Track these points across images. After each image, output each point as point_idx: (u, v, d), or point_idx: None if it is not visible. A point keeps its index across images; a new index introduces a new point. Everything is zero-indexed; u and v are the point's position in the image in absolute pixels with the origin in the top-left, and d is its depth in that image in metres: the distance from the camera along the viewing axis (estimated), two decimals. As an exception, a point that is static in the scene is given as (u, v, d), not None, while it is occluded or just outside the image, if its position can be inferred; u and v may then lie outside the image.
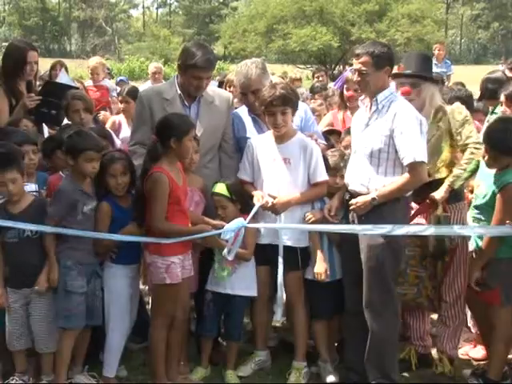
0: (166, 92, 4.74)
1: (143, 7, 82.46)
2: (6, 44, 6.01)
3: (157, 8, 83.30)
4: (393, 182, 4.19)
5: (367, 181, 4.29)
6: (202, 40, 67.45)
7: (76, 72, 7.78)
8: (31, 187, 4.48)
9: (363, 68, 4.21)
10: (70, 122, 5.27)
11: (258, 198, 4.51)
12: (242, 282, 4.64)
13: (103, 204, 4.37)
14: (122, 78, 13.04)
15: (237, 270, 4.61)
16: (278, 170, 4.60)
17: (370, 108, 4.34)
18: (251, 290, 4.67)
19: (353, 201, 4.31)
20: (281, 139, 4.61)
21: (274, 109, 4.48)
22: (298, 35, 38.79)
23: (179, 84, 4.72)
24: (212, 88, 5.10)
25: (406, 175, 4.16)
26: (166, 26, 68.46)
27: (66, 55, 53.44)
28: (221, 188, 4.56)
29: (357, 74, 4.28)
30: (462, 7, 70.40)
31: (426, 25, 40.49)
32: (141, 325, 4.60)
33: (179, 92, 4.69)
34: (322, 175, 4.62)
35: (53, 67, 7.98)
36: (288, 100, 4.49)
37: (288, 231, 4.57)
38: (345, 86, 6.05)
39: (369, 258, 4.24)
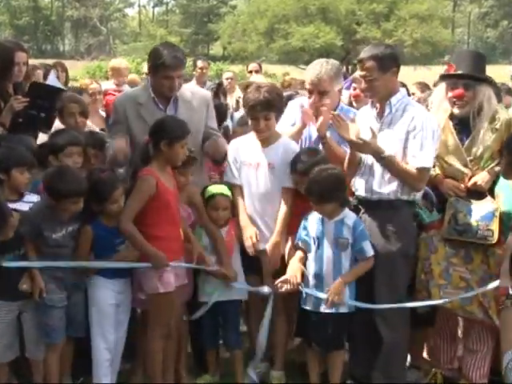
0: (139, 96, 4.75)
1: (139, 6, 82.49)
2: None
3: (153, 7, 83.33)
4: (406, 166, 4.18)
5: (378, 186, 4.29)
6: (200, 40, 68.24)
7: (71, 74, 7.72)
8: (32, 198, 4.35)
9: (368, 74, 4.19)
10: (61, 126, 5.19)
11: (248, 237, 4.57)
12: (231, 287, 4.59)
13: (86, 229, 4.28)
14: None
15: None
16: (262, 175, 4.59)
17: (382, 112, 4.30)
18: (241, 293, 4.66)
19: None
20: (265, 142, 4.60)
21: (256, 113, 4.50)
22: (300, 33, 38.87)
23: (152, 87, 4.71)
24: (189, 87, 5.14)
25: (414, 172, 4.16)
26: (163, 26, 68.59)
27: (59, 56, 53.37)
28: (221, 188, 4.57)
29: (363, 80, 4.27)
30: (470, 5, 70.40)
31: (434, 27, 40.59)
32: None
33: (152, 95, 4.68)
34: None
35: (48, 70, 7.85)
36: (271, 105, 4.49)
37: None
38: (353, 85, 6.03)
39: (381, 266, 4.25)
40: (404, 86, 6.82)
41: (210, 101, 5.06)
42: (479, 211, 4.30)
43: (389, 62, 4.20)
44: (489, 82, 4.45)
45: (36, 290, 4.14)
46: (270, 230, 4.60)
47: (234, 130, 5.75)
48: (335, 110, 4.62)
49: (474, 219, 4.27)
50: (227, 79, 9.64)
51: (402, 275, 4.33)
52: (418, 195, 4.32)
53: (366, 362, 4.36)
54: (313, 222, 4.36)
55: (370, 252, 4.24)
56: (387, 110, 4.28)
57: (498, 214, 4.27)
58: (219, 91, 8.68)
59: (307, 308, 4.35)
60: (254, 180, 4.61)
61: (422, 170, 4.16)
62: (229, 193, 4.55)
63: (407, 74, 16.70)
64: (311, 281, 4.34)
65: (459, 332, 4.68)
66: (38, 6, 72.16)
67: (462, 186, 4.35)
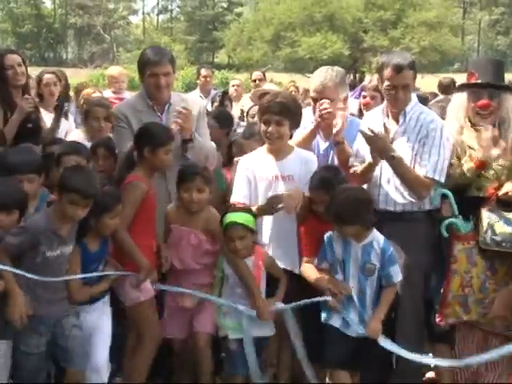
0: (138, 104, 4.77)
1: (143, 13, 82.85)
2: None
3: (157, 14, 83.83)
4: (414, 171, 4.17)
5: (401, 197, 4.26)
6: (205, 48, 68.56)
7: (72, 82, 7.71)
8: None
9: (408, 82, 4.19)
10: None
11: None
12: (258, 323, 4.28)
13: (77, 250, 4.04)
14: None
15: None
16: (280, 189, 4.34)
17: (397, 122, 4.30)
18: (267, 329, 4.35)
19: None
20: (278, 155, 4.40)
21: (269, 117, 4.30)
22: (307, 43, 38.95)
23: (146, 93, 4.73)
24: (183, 96, 5.15)
25: (422, 178, 4.15)
26: (167, 33, 69.11)
27: (61, 64, 53.70)
28: (235, 216, 4.15)
29: (400, 89, 4.18)
30: (480, 12, 70.20)
31: (443, 34, 40.67)
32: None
33: (150, 103, 4.71)
34: None
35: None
36: (286, 110, 4.29)
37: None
38: (362, 94, 6.03)
39: (405, 279, 4.15)
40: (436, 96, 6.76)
41: (202, 108, 4.99)
42: None
43: (416, 71, 4.26)
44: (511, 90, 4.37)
45: (15, 311, 3.71)
46: (290, 247, 4.41)
47: (241, 143, 5.49)
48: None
49: (510, 229, 4.14)
50: (233, 86, 9.57)
51: (421, 287, 4.33)
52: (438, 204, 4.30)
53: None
54: (338, 243, 4.13)
55: (398, 277, 4.06)
56: (401, 120, 4.28)
57: None
58: (225, 99, 8.56)
59: (335, 325, 4.14)
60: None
61: (429, 179, 4.16)
62: (244, 220, 4.13)
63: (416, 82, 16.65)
64: (339, 306, 4.15)
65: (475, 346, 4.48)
66: (41, 13, 72.45)
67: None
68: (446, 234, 4.22)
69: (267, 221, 4.40)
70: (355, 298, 4.06)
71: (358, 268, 4.05)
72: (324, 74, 4.64)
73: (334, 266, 4.14)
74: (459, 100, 4.42)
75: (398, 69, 4.13)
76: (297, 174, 4.37)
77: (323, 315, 4.19)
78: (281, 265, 4.38)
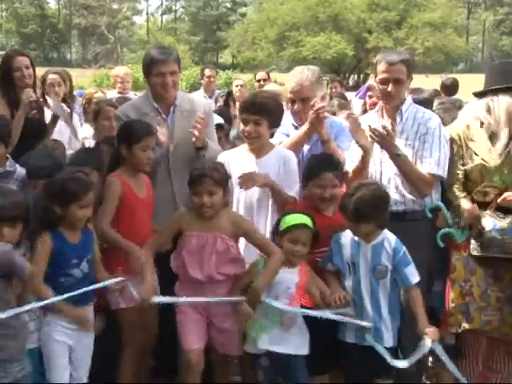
0: (142, 106, 4.64)
1: (147, 14, 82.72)
2: (2, 52, 6.07)
3: (161, 14, 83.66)
4: (418, 168, 4.17)
5: (402, 197, 4.24)
6: (209, 48, 68.30)
7: (77, 82, 7.68)
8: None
9: (401, 77, 4.18)
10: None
11: None
12: (297, 337, 3.91)
13: (45, 238, 3.63)
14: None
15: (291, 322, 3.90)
16: (255, 188, 4.20)
17: (393, 121, 4.25)
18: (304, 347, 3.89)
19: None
20: (258, 153, 4.27)
21: (247, 116, 4.20)
22: (311, 43, 38.86)
23: (151, 95, 4.63)
24: (190, 96, 5.03)
25: (426, 175, 4.16)
26: (171, 34, 68.91)
27: (66, 64, 53.67)
28: (304, 218, 3.85)
29: (391, 83, 4.18)
30: (485, 12, 70.02)
31: (447, 35, 40.58)
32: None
33: (155, 105, 4.59)
34: (292, 190, 4.24)
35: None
36: (265, 110, 4.16)
37: None
38: (368, 94, 5.98)
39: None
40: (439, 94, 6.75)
41: (208, 109, 4.89)
42: (505, 226, 4.16)
43: (412, 68, 4.27)
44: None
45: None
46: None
47: (234, 143, 5.50)
48: None
49: (499, 233, 4.14)
50: (237, 86, 9.56)
51: (424, 287, 4.14)
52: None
53: None
54: (347, 244, 3.88)
55: (415, 278, 3.78)
56: (398, 119, 4.27)
57: None
58: (229, 100, 8.63)
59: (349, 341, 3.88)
60: (249, 194, 4.23)
61: (432, 176, 4.17)
62: (311, 224, 3.85)
63: (420, 81, 16.63)
64: (350, 312, 3.86)
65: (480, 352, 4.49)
66: (45, 13, 72.80)
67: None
68: (441, 244, 4.20)
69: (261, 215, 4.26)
70: (368, 302, 3.82)
71: (368, 270, 3.81)
72: (300, 74, 4.55)
73: (343, 269, 3.89)
74: (478, 108, 4.32)
75: (390, 63, 4.17)
76: (275, 172, 4.22)
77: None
78: None
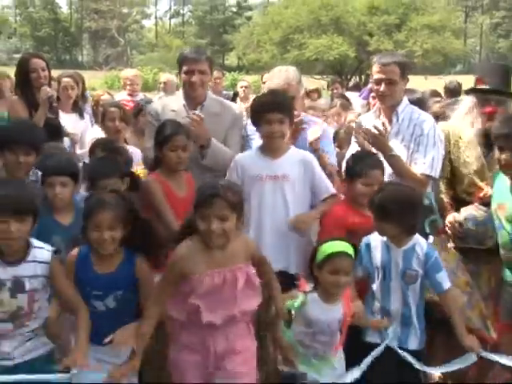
0: (172, 104, 4.59)
1: (156, 18, 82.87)
2: (18, 55, 6.13)
3: (170, 18, 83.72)
4: (413, 171, 4.14)
5: None
6: (216, 51, 68.29)
7: (89, 83, 7.72)
8: None
9: (394, 77, 4.16)
10: None
11: None
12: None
13: (72, 254, 3.32)
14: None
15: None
16: (276, 188, 4.00)
17: (389, 122, 4.27)
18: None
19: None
20: (274, 154, 4.03)
21: (271, 116, 3.92)
22: (314, 45, 38.83)
23: (183, 93, 4.60)
24: (220, 99, 4.85)
25: (419, 176, 4.14)
26: (179, 37, 68.93)
27: (77, 66, 53.72)
28: (344, 246, 3.45)
29: (384, 84, 4.18)
30: (482, 16, 70.00)
31: (446, 37, 40.47)
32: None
33: (183, 102, 4.53)
34: (329, 188, 4.11)
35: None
36: (287, 109, 3.99)
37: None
38: (371, 94, 5.96)
39: None
40: (438, 94, 6.76)
41: (236, 116, 4.64)
42: (479, 217, 4.22)
43: (407, 70, 4.24)
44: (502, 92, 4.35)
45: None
46: (282, 249, 4.01)
47: None
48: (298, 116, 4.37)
49: (473, 225, 4.21)
50: (242, 87, 9.57)
51: None
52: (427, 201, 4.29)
53: None
54: (377, 248, 3.67)
55: (447, 284, 3.59)
56: (394, 120, 4.26)
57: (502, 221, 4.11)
58: (235, 101, 8.66)
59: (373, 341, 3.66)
60: (268, 195, 4.00)
61: (425, 176, 4.16)
62: (352, 252, 3.45)
63: (419, 83, 16.64)
64: (377, 317, 3.70)
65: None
66: (58, 18, 73.34)
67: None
68: (428, 230, 4.27)
69: (255, 217, 4.01)
70: (398, 308, 3.66)
71: (399, 275, 3.61)
72: (286, 73, 4.47)
73: (372, 274, 3.69)
74: (468, 104, 4.44)
75: (383, 64, 4.16)
76: (295, 174, 4.02)
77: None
78: (277, 266, 3.71)
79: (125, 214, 3.21)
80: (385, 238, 3.62)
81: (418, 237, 3.62)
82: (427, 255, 3.57)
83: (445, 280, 3.58)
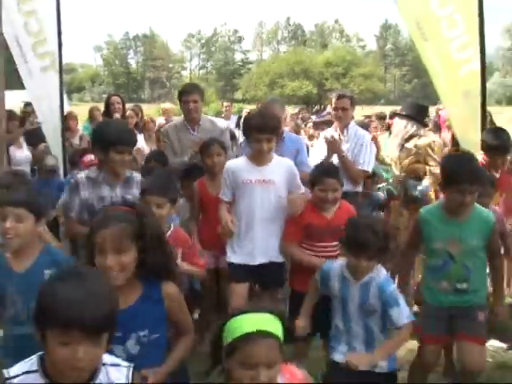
0: (178, 124, 4.09)
1: (190, 70, 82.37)
2: (105, 95, 5.68)
3: (199, 69, 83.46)
4: (356, 167, 3.95)
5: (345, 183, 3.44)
6: (228, 90, 67.90)
7: (146, 112, 7.30)
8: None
9: (346, 106, 4.05)
10: None
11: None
12: None
13: None
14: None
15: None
16: (263, 190, 2.98)
17: (342, 134, 4.11)
18: None
19: None
20: (262, 163, 3.00)
21: (260, 136, 2.89)
22: (291, 86, 39.26)
23: (184, 117, 4.05)
24: (212, 119, 4.28)
25: (359, 170, 3.98)
26: (204, 81, 68.53)
27: (141, 101, 53.11)
28: (259, 322, 1.50)
29: (340, 110, 4.05)
30: (395, 69, 71.97)
31: (374, 81, 41.38)
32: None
33: (185, 123, 3.98)
34: (301, 188, 3.07)
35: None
36: (274, 130, 2.95)
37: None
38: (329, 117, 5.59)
39: None
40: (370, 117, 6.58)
41: (225, 131, 4.05)
42: (421, 186, 4.00)
43: (354, 102, 4.17)
44: (412, 118, 4.26)
45: None
46: (270, 240, 3.01)
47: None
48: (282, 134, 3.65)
49: (418, 191, 3.98)
50: (245, 113, 9.26)
51: None
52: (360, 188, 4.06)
53: None
54: (334, 279, 2.45)
55: (402, 320, 2.30)
56: (345, 133, 4.13)
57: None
58: (240, 122, 8.23)
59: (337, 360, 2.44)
60: (254, 197, 2.98)
61: (362, 171, 4.03)
62: (274, 327, 1.49)
63: (357, 111, 16.09)
64: (342, 336, 2.47)
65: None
66: (129, 70, 75.45)
67: None
68: (385, 196, 4.13)
69: (242, 218, 3.03)
70: (360, 337, 2.42)
71: (357, 307, 2.40)
72: (276, 104, 4.05)
73: (333, 301, 2.51)
74: (399, 125, 4.33)
75: (340, 96, 4.08)
76: (281, 179, 3.01)
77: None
78: (266, 257, 2.99)
79: (137, 231, 1.72)
80: (344, 271, 2.43)
81: (378, 268, 2.38)
82: (381, 289, 2.33)
83: (398, 316, 2.30)
